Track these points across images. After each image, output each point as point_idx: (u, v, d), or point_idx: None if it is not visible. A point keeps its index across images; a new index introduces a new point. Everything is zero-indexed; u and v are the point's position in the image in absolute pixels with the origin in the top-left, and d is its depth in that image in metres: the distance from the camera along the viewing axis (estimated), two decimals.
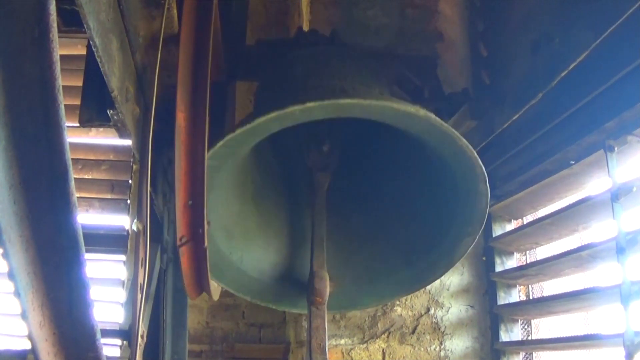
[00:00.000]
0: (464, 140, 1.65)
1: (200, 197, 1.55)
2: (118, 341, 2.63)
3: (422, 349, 2.92)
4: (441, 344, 2.93)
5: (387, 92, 2.01)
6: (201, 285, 1.71)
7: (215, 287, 2.01)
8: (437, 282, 2.98)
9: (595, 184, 2.41)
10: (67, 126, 0.99)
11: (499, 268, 2.92)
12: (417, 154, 1.93)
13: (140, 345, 1.76)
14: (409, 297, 2.94)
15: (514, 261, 2.95)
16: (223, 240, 2.02)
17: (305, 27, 2.68)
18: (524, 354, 2.86)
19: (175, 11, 1.64)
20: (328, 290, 1.91)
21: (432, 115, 1.60)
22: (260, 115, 1.54)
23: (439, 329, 2.94)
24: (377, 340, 2.92)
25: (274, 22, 3.05)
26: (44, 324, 1.02)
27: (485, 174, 1.73)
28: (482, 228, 1.87)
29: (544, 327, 2.94)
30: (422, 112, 1.58)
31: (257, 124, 1.55)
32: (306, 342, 1.88)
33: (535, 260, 2.85)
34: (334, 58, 2.02)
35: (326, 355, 1.88)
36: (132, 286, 1.75)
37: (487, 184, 1.76)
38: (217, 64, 2.14)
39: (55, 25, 0.92)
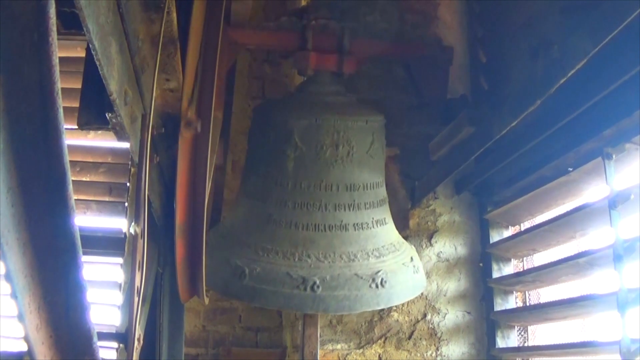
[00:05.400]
0: None
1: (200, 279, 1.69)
2: (114, 344, 2.62)
3: (419, 355, 2.91)
4: (437, 349, 2.93)
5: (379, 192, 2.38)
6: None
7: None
8: (435, 287, 2.98)
9: (593, 192, 2.41)
10: (66, 128, 0.99)
11: (496, 274, 2.92)
12: None
13: (136, 348, 1.76)
14: (405, 302, 2.94)
15: (511, 268, 2.95)
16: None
17: None
18: None
19: (174, 15, 1.64)
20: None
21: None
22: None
23: (436, 335, 2.94)
24: (374, 346, 2.92)
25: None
26: (40, 327, 1.02)
27: None
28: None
29: (540, 333, 2.94)
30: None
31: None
32: (299, 348, 2.01)
33: (533, 267, 2.85)
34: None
35: None
36: (129, 289, 1.75)
37: None
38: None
39: (54, 29, 0.92)
